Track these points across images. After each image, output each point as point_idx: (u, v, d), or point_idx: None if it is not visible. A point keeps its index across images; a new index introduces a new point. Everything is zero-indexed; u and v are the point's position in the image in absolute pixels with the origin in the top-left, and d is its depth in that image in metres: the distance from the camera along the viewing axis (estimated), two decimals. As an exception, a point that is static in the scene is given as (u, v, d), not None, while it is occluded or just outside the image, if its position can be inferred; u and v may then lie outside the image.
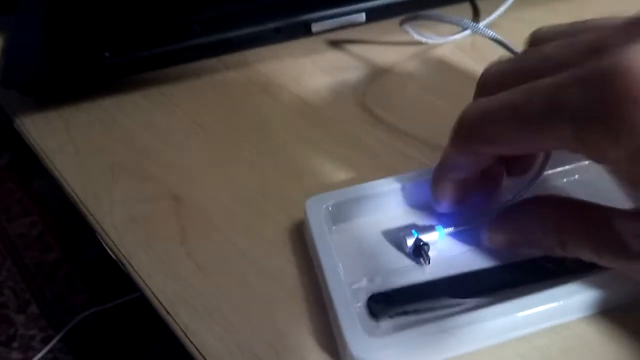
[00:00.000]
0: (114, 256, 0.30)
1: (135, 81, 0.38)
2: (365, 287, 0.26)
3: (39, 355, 1.03)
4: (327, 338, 0.25)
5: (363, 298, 0.25)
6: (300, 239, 0.29)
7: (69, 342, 1.05)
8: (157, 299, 0.27)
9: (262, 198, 0.31)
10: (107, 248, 0.30)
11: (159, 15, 0.38)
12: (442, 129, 0.24)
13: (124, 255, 0.29)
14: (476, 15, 0.40)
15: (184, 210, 0.31)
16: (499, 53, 0.28)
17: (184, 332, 0.26)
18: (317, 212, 0.27)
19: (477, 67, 0.32)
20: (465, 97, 0.24)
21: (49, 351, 1.04)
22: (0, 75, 0.36)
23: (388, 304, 0.25)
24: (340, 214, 0.28)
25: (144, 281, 0.28)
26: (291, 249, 0.29)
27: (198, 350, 0.25)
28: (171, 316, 0.27)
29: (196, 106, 0.36)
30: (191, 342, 0.26)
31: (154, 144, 0.34)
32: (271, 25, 0.37)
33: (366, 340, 0.22)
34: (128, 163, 0.33)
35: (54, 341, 1.04)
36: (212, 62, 0.39)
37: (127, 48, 0.36)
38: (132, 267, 0.29)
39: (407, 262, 0.26)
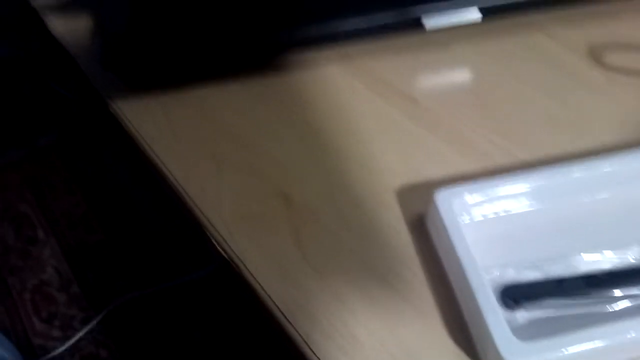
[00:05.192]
0: (223, 253, 0.28)
1: (234, 72, 0.36)
2: (498, 277, 0.25)
3: (79, 335, 1.04)
4: (464, 343, 0.24)
5: (497, 288, 0.25)
6: (421, 237, 0.28)
7: (108, 325, 1.05)
8: (276, 305, 0.26)
9: (372, 197, 0.29)
10: (215, 244, 0.28)
11: (263, 4, 0.36)
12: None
13: (236, 255, 0.28)
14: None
15: (295, 210, 0.29)
16: None
17: (305, 342, 0.25)
18: (448, 204, 0.26)
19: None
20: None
21: (89, 332, 1.04)
22: (99, 56, 0.35)
23: (526, 296, 0.24)
24: (471, 207, 0.27)
25: (260, 285, 0.26)
26: (414, 248, 0.27)
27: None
28: (292, 325, 0.25)
29: (299, 100, 0.34)
30: (314, 353, 0.24)
31: (256, 137, 0.32)
32: (381, 17, 0.35)
33: (516, 345, 0.22)
34: (232, 155, 0.32)
35: (94, 322, 1.05)
36: (313, 55, 0.37)
37: (232, 37, 0.34)
38: (247, 268, 0.27)
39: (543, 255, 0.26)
